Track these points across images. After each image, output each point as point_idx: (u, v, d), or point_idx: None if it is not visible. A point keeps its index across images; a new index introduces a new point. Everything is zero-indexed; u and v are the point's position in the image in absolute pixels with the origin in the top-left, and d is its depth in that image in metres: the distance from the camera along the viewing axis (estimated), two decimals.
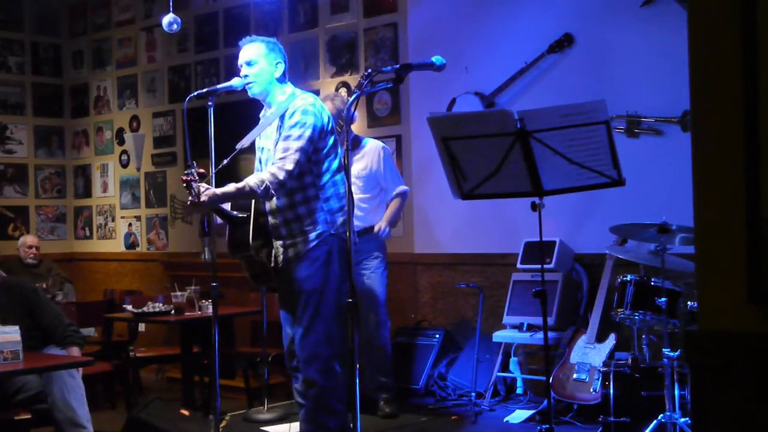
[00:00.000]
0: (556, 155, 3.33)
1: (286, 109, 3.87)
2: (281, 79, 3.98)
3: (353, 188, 5.02)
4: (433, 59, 3.56)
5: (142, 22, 8.14)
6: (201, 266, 6.74)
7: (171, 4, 6.06)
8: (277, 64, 3.95)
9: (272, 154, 3.89)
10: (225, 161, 3.85)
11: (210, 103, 3.97)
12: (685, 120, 5.01)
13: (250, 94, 4.00)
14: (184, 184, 3.68)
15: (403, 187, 5.39)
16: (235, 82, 4.01)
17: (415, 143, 6.20)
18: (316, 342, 3.86)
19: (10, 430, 4.23)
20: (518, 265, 5.46)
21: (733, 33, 1.69)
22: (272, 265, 3.94)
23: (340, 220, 3.90)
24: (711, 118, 1.74)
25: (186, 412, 4.76)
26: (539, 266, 3.69)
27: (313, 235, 3.86)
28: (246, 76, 3.95)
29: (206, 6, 7.59)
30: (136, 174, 8.20)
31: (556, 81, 5.57)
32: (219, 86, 4.06)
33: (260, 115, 4.11)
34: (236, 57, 4.03)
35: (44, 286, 6.24)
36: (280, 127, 3.88)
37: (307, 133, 3.80)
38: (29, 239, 7.26)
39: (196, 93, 4.07)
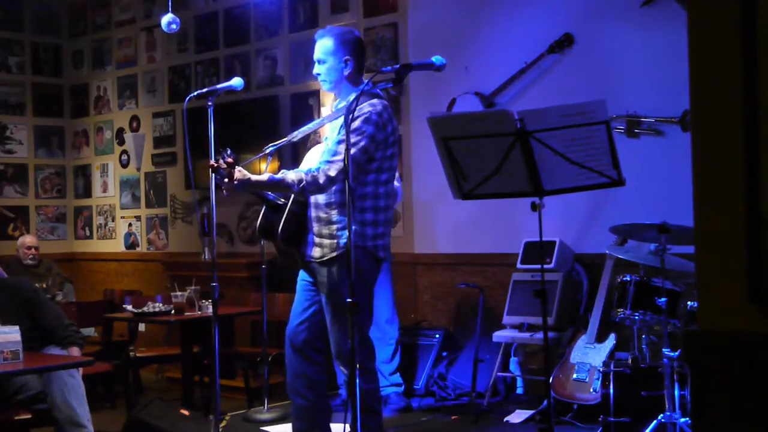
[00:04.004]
0: (556, 155, 3.32)
1: (352, 110, 3.59)
2: (353, 77, 3.83)
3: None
4: (433, 59, 3.55)
5: (142, 22, 8.14)
6: (201, 266, 6.75)
7: (170, 4, 6.06)
8: (346, 61, 3.81)
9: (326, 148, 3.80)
10: (273, 146, 3.88)
11: (210, 103, 3.98)
12: (685, 120, 5.01)
13: (324, 89, 3.99)
14: (212, 170, 3.72)
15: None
16: (235, 82, 4.00)
17: (415, 143, 6.20)
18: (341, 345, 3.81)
19: (10, 430, 4.23)
20: (518, 265, 5.46)
21: (733, 33, 1.69)
22: (300, 257, 3.89)
23: (370, 233, 3.78)
24: (711, 118, 1.74)
25: (186, 412, 4.75)
26: (539, 266, 3.68)
27: (342, 242, 3.75)
28: (318, 74, 3.87)
29: (206, 6, 7.59)
30: (136, 174, 8.21)
31: (556, 81, 5.58)
32: (219, 86, 4.06)
33: (333, 105, 4.00)
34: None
35: (44, 286, 6.23)
36: (342, 126, 3.73)
37: (363, 142, 3.68)
38: (28, 240, 7.25)
39: (196, 93, 4.07)
